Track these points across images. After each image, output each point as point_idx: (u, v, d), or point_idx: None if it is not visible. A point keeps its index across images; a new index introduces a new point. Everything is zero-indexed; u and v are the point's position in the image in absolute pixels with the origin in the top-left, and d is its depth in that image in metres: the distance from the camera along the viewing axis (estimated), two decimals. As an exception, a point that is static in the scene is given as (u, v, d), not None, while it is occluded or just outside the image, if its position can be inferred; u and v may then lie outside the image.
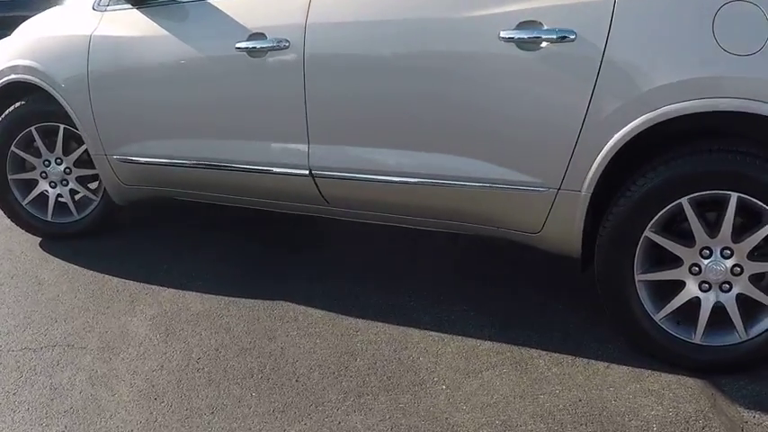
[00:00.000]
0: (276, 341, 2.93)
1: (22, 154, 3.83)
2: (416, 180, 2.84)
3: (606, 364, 2.66)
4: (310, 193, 3.13)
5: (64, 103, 3.55)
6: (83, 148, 3.72)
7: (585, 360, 2.69)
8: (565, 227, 2.63)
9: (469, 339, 2.88)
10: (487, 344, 2.83)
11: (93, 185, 3.89)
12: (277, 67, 2.99)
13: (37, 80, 3.61)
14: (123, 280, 3.47)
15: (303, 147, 3.04)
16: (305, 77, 2.93)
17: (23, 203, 3.88)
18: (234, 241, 3.86)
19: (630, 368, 2.63)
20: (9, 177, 3.87)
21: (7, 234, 4.06)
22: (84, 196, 3.88)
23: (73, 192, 3.85)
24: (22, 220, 3.91)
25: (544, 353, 2.75)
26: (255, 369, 2.73)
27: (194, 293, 3.32)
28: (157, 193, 3.67)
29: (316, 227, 4.02)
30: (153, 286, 3.40)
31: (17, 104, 3.76)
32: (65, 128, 3.71)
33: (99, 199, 3.84)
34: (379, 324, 3.01)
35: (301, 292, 3.30)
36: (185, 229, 4.05)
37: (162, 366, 2.77)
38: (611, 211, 2.50)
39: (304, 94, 2.95)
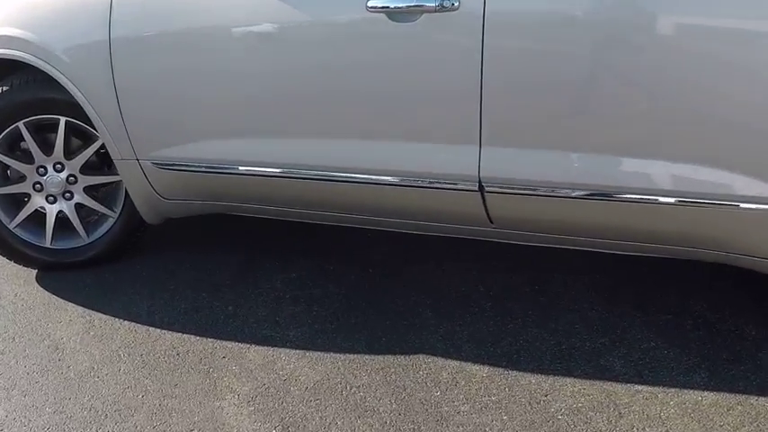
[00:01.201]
0: (448, 424, 2.07)
1: (5, 160, 2.75)
2: (650, 197, 2.03)
3: None
4: (470, 211, 2.25)
5: (70, 87, 2.49)
6: (92, 147, 2.68)
7: None
8: None
9: (689, 392, 2.12)
10: (709, 397, 2.10)
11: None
12: (436, 35, 2.09)
13: (27, 56, 2.52)
14: (178, 334, 2.48)
15: (470, 150, 2.15)
16: (483, 50, 2.03)
17: (10, 226, 2.81)
18: (314, 265, 2.87)
19: None
20: None
21: None
22: (96, 212, 2.85)
23: (80, 207, 2.81)
24: (10, 248, 2.84)
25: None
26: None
27: (291, 352, 2.38)
28: (210, 209, 2.69)
29: (430, 243, 2.96)
30: (227, 343, 2.43)
31: (-3, 91, 2.69)
32: (67, 121, 2.66)
33: (117, 215, 2.81)
34: (570, 382, 2.20)
35: (441, 338, 2.42)
36: (235, 251, 3.03)
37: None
38: None
39: (480, 75, 2.05)
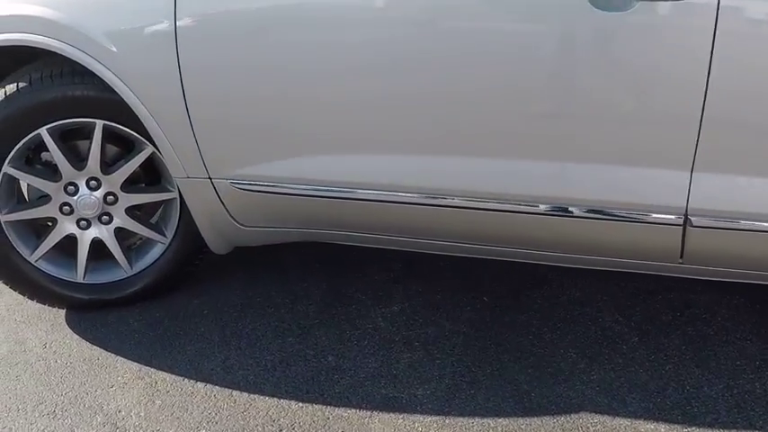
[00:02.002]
0: None
1: (23, 177, 2.14)
2: None
3: None
4: (661, 246, 1.78)
5: (115, 83, 1.88)
6: (139, 157, 2.08)
7: None
8: None
9: None
10: None
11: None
12: (655, 28, 1.62)
13: (52, 41, 1.89)
14: (272, 399, 1.92)
15: (679, 176, 1.69)
16: (713, 51, 1.55)
17: (31, 259, 2.19)
18: (415, 294, 2.33)
19: None
20: (1, 218, 2.16)
21: (4, 306, 2.40)
22: (139, 237, 2.27)
23: (120, 232, 2.22)
24: (32, 285, 2.23)
25: None
26: None
27: (427, 420, 1.84)
28: (295, 237, 2.13)
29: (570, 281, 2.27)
30: (340, 411, 1.88)
31: (12, 89, 2.03)
32: (105, 125, 2.05)
33: (169, 240, 2.22)
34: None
35: (598, 389, 1.95)
36: (313, 277, 2.45)
37: None
38: None
39: (705, 83, 1.57)
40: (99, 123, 2.04)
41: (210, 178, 1.95)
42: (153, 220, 2.26)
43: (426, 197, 1.82)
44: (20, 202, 2.21)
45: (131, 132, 2.05)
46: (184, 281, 2.33)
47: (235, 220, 2.02)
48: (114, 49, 1.85)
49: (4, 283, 2.24)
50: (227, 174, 1.93)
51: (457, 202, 1.83)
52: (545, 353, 2.10)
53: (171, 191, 2.15)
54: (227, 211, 2.00)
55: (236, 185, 1.93)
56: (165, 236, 2.22)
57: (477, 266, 2.43)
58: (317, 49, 1.76)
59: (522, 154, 1.78)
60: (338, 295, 2.32)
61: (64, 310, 2.29)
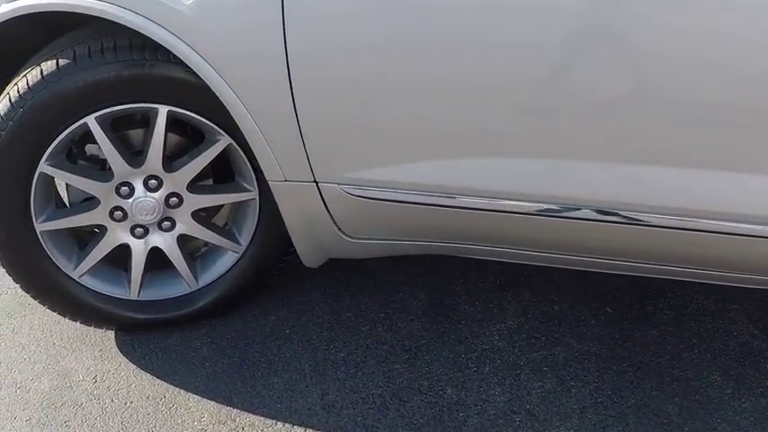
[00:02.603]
0: None
1: (63, 176, 1.71)
2: None
3: None
4: None
5: (196, 62, 1.47)
6: (212, 150, 1.68)
7: None
8: None
9: None
10: None
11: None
12: None
13: (106, 6, 1.48)
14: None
15: None
16: None
17: (74, 275, 1.79)
18: (530, 306, 1.99)
19: None
20: (37, 227, 1.74)
21: (38, 325, 1.94)
22: (207, 245, 1.88)
23: (185, 241, 1.83)
24: (73, 304, 1.83)
25: None
26: None
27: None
28: (405, 250, 1.78)
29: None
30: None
31: (50, 68, 1.59)
32: (171, 112, 1.64)
33: (244, 248, 1.82)
34: None
35: (753, 422, 1.70)
36: (409, 288, 2.07)
37: None
38: None
39: None
40: (163, 110, 1.62)
41: (316, 182, 1.56)
42: (220, 224, 1.88)
43: (598, 213, 1.48)
44: (59, 206, 1.80)
45: (204, 121, 1.65)
46: (256, 292, 1.96)
47: (341, 230, 1.65)
48: (199, 22, 1.43)
49: (40, 302, 1.85)
50: (339, 178, 1.54)
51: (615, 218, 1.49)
52: (687, 376, 1.80)
53: (250, 191, 1.76)
54: (333, 220, 1.62)
55: (350, 191, 1.55)
56: (238, 243, 1.83)
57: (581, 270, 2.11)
58: (473, 24, 1.37)
59: (707, 163, 1.44)
60: (441, 308, 1.97)
61: (112, 332, 1.91)
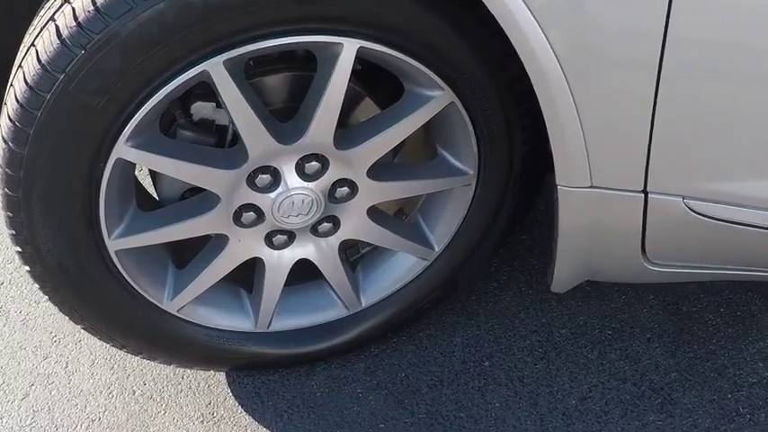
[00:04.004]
0: None
1: (153, 161, 0.97)
2: None
3: None
4: None
5: None
6: (424, 110, 0.97)
7: None
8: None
9: None
10: None
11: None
12: None
13: None
14: None
15: None
16: None
17: (172, 308, 1.07)
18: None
19: None
20: (110, 246, 1.00)
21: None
22: (375, 250, 1.18)
23: (351, 252, 1.16)
24: (169, 345, 1.14)
25: None
26: None
27: None
28: (706, 278, 1.18)
29: None
30: None
31: None
32: (363, 49, 0.90)
33: (437, 254, 1.14)
34: None
35: None
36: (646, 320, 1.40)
37: None
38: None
39: None
40: (350, 45, 0.90)
41: (646, 192, 0.93)
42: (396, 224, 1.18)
43: None
44: (143, 209, 1.06)
45: (416, 65, 0.93)
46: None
47: (644, 253, 1.01)
48: None
49: (118, 347, 1.16)
50: (687, 189, 0.92)
51: None
52: None
53: (466, 174, 1.07)
54: (643, 241, 0.98)
55: (695, 208, 0.92)
56: (431, 247, 1.16)
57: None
58: None
59: None
60: (680, 317, 1.32)
61: (222, 375, 1.26)
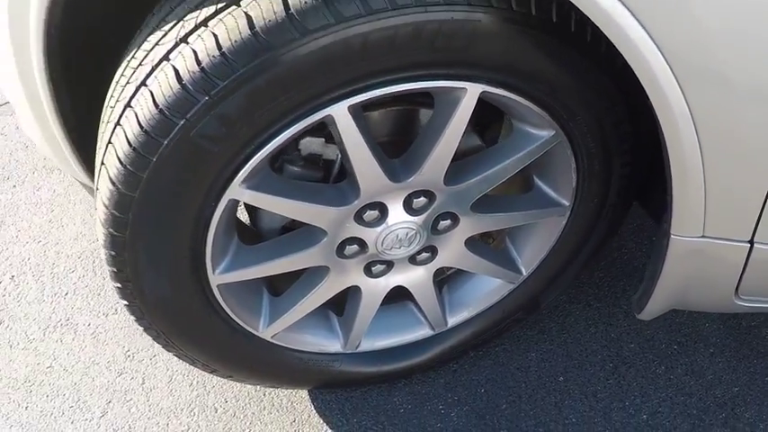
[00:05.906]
0: None
1: (265, 201, 0.95)
2: None
3: None
4: None
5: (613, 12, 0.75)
6: (535, 148, 0.98)
7: None
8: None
9: None
10: None
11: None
12: None
13: None
14: None
15: None
16: None
17: (265, 334, 1.08)
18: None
19: None
20: (213, 281, 0.99)
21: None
22: (459, 272, 1.19)
23: (437, 273, 1.15)
24: (261, 369, 1.16)
25: None
26: None
27: None
28: None
29: None
30: None
31: (258, 13, 0.80)
32: (485, 94, 0.89)
33: (524, 278, 1.15)
34: None
35: None
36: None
37: None
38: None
39: None
40: (474, 89, 0.89)
41: (753, 242, 0.94)
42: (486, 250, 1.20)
43: None
44: (244, 243, 1.05)
45: (530, 106, 0.93)
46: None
47: (737, 290, 1.03)
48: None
49: (208, 371, 1.16)
50: None
51: None
52: None
53: (561, 205, 1.08)
54: (740, 282, 1.00)
55: None
56: (519, 271, 1.18)
57: None
58: None
59: None
60: (740, 331, 1.37)
61: (302, 393, 1.28)
